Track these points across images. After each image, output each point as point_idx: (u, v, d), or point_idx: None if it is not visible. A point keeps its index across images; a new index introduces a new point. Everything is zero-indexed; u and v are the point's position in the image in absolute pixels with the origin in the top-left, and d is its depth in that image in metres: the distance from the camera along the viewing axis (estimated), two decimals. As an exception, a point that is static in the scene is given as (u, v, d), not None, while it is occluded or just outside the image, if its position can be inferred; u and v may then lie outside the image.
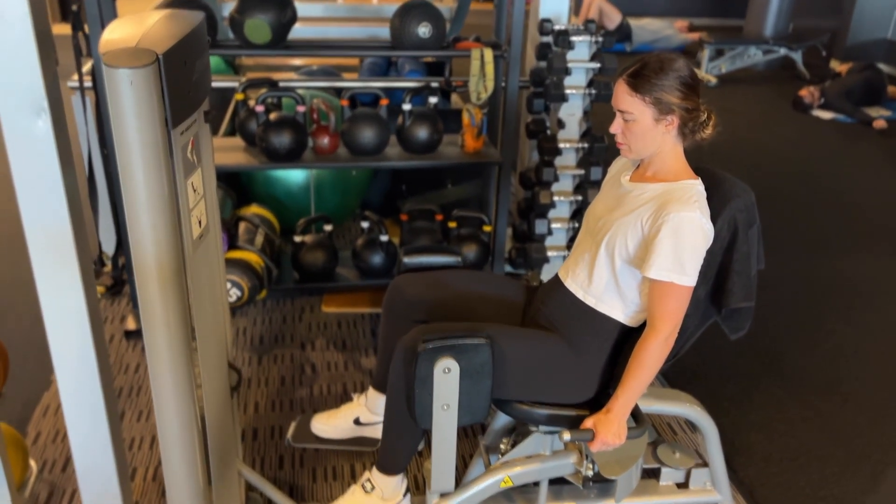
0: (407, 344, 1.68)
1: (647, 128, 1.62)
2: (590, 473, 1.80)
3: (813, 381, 2.73)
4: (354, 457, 2.26)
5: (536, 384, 1.73)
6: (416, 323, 1.95)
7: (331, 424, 2.15)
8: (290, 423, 2.23)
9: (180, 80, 1.31)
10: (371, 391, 2.11)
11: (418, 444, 1.82)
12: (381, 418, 2.10)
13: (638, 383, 1.64)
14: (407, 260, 2.04)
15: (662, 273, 1.57)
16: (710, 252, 1.64)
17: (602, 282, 1.70)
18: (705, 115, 1.65)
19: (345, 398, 2.52)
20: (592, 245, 1.72)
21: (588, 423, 1.68)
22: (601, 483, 2.10)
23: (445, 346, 1.59)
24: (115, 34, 1.28)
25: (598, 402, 1.76)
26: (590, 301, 1.73)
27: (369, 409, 2.12)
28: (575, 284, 1.76)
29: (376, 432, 2.13)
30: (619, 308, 1.71)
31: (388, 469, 1.83)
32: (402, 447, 1.81)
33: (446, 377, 1.60)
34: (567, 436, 1.65)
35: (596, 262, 1.70)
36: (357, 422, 2.13)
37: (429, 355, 1.58)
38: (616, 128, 1.66)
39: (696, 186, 1.65)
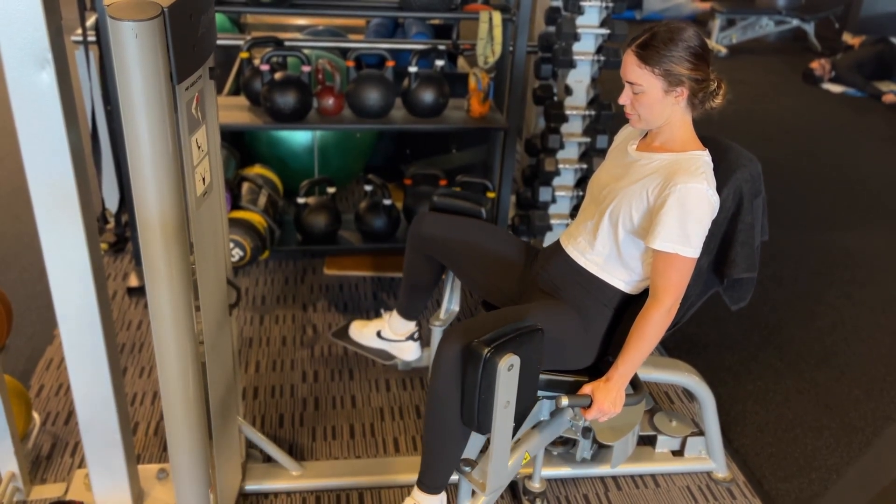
0: (458, 351, 1.58)
1: (656, 99, 1.60)
2: (586, 423, 1.81)
3: (810, 353, 2.74)
4: (354, 417, 2.29)
5: (549, 354, 1.74)
6: (427, 258, 2.05)
7: (362, 331, 2.32)
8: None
9: (186, 34, 1.29)
10: (394, 313, 2.24)
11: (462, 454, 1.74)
12: (399, 338, 2.25)
13: (638, 353, 1.65)
14: (437, 199, 2.13)
15: (667, 244, 1.57)
16: (714, 222, 1.63)
17: (605, 250, 1.70)
18: (716, 85, 1.63)
19: (345, 359, 2.55)
20: (596, 213, 1.72)
21: (587, 389, 1.69)
22: (598, 448, 2.12)
23: (507, 343, 1.52)
24: (120, -14, 1.26)
25: (597, 368, 1.77)
26: (591, 268, 1.73)
27: (390, 328, 2.26)
28: (576, 251, 1.76)
29: (392, 349, 2.28)
30: (619, 276, 1.71)
31: (433, 487, 1.73)
32: (448, 460, 1.71)
33: (510, 374, 1.53)
34: (565, 401, 1.67)
35: (599, 231, 1.70)
36: (379, 334, 2.28)
37: (494, 356, 1.51)
38: (625, 99, 1.64)
39: (704, 157, 1.64)
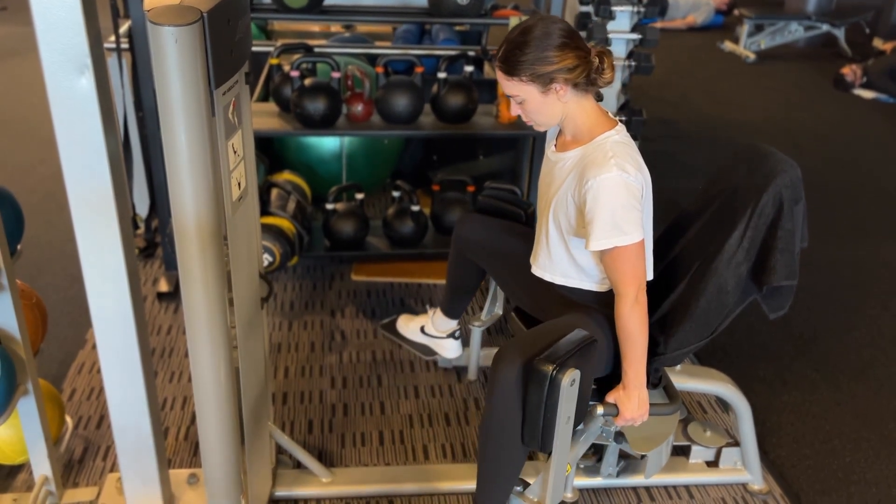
0: (518, 370, 1.52)
1: (539, 103, 1.58)
2: (617, 428, 1.78)
3: (847, 365, 2.68)
4: (383, 424, 2.28)
5: None
6: (468, 260, 2.11)
7: (408, 325, 2.49)
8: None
9: (224, 39, 1.30)
10: (438, 311, 2.36)
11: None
12: (441, 335, 2.38)
13: (633, 353, 1.61)
14: (481, 198, 2.17)
15: (603, 242, 1.54)
16: (753, 228, 1.61)
17: (563, 259, 1.69)
18: (598, 61, 1.56)
19: (374, 366, 2.54)
20: (544, 225, 1.72)
21: (610, 398, 1.67)
22: (625, 465, 2.09)
23: (569, 358, 1.49)
24: (160, -9, 1.26)
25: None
26: (557, 280, 1.73)
27: (433, 325, 2.39)
28: (540, 269, 1.76)
29: (434, 345, 2.42)
30: (586, 279, 1.71)
31: None
32: (506, 480, 1.65)
33: (572, 389, 1.50)
34: (601, 409, 1.65)
35: (550, 241, 1.69)
36: (422, 330, 2.42)
37: (559, 374, 1.48)
38: (514, 110, 1.64)
39: (611, 137, 1.59)
